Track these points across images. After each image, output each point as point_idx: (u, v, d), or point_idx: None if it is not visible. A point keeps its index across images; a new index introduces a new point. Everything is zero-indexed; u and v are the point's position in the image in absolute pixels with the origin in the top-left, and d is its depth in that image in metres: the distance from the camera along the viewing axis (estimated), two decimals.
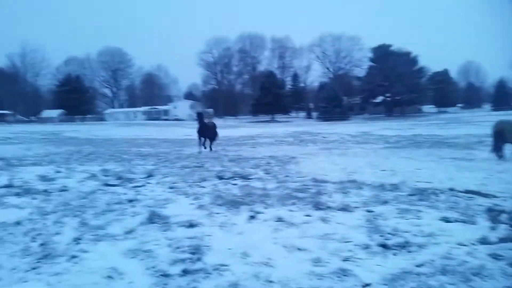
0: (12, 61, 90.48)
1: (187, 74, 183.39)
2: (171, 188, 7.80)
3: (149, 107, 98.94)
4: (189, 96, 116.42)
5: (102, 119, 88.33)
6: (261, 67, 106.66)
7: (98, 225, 5.09)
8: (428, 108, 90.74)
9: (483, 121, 35.11)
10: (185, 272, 3.62)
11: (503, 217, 5.26)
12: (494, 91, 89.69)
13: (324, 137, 24.09)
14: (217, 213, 5.76)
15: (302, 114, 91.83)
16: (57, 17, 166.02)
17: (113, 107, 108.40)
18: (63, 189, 7.51)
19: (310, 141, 22.93)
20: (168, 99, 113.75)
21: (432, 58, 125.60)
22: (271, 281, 3.45)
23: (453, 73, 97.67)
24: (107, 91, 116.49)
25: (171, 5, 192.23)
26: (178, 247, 4.26)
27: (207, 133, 16.84)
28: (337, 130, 32.51)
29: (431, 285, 3.31)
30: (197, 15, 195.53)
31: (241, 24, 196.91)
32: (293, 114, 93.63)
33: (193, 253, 4.06)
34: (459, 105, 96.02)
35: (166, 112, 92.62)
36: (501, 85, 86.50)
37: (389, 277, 3.48)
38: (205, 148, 16.54)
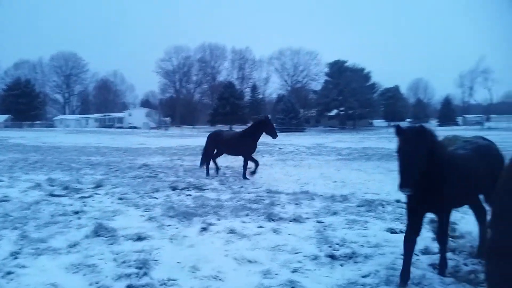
0: None
1: (145, 81, 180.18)
2: (120, 199, 7.55)
3: (103, 114, 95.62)
4: (145, 104, 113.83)
5: (51, 125, 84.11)
6: (221, 77, 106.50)
7: (39, 238, 4.83)
8: (379, 122, 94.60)
9: None
10: None
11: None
12: (440, 108, 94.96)
13: (280, 148, 24.31)
14: (168, 225, 5.65)
15: None
16: (7, 17, 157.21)
17: (64, 113, 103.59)
18: (4, 199, 7.14)
19: (266, 152, 23.07)
20: (123, 106, 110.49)
21: (385, 74, 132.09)
22: None
23: (404, 89, 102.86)
24: (58, 97, 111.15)
25: (129, 10, 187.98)
26: (124, 262, 4.11)
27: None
28: (293, 141, 32.98)
29: None
30: (157, 23, 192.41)
31: (202, 34, 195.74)
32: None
33: (139, 268, 3.93)
34: (408, 119, 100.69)
35: (120, 120, 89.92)
36: (446, 102, 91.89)
37: None
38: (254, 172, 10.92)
